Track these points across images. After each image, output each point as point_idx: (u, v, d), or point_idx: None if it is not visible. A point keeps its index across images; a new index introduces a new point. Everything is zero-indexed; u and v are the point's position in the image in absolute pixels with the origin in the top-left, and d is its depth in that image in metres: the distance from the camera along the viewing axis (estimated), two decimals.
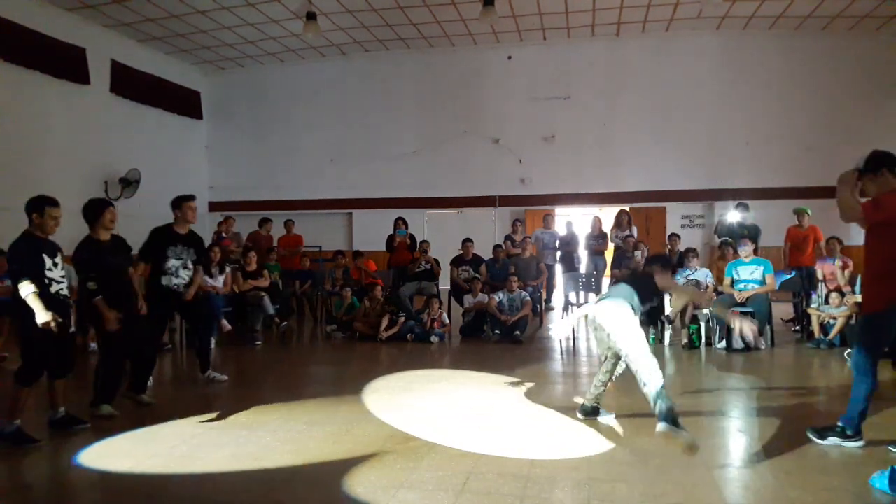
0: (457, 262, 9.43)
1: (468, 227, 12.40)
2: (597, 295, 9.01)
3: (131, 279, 5.15)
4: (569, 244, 10.84)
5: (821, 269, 8.07)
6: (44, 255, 4.32)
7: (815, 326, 7.37)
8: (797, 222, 8.95)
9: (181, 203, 5.63)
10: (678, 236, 9.27)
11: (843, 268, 7.81)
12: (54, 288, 4.31)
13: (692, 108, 12.48)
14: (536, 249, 10.43)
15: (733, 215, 9.61)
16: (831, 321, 7.16)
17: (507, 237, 10.64)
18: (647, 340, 7.46)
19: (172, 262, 5.47)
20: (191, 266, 5.61)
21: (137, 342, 5.01)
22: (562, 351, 7.42)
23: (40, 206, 4.36)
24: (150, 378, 5.40)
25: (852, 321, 6.91)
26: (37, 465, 3.97)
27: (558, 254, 10.96)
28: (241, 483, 3.46)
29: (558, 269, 10.90)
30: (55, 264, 4.39)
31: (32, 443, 4.12)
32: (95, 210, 4.84)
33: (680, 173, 12.57)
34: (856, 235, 6.20)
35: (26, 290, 4.09)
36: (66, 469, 3.81)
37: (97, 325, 4.87)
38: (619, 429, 4.27)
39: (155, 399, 5.17)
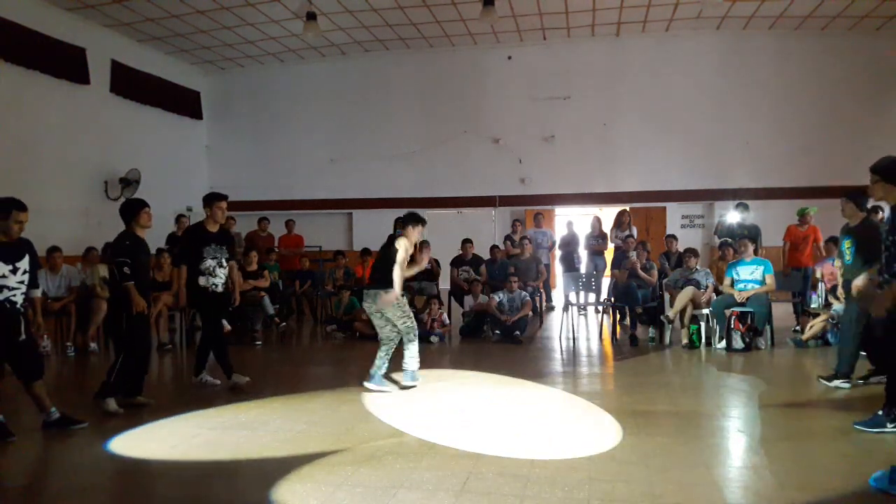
0: (457, 263, 9.43)
1: (468, 227, 12.40)
2: (596, 295, 9.06)
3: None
4: (569, 244, 10.84)
5: (820, 270, 8.06)
6: None
7: (813, 328, 7.36)
8: (799, 222, 8.94)
9: (212, 202, 5.58)
10: (675, 237, 9.28)
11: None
12: (3, 294, 4.19)
13: (692, 107, 12.48)
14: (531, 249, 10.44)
15: (733, 216, 9.59)
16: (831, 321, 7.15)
17: (507, 237, 10.66)
18: (648, 340, 7.56)
19: (209, 262, 5.43)
20: (225, 265, 5.57)
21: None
22: (562, 351, 7.43)
23: (6, 209, 4.24)
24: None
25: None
26: (36, 465, 3.98)
27: (558, 252, 10.95)
28: (242, 483, 3.46)
29: (557, 268, 10.89)
30: (13, 270, 4.26)
31: (8, 437, 4.18)
32: (132, 209, 4.99)
33: (680, 173, 12.57)
34: None
35: None
36: (65, 469, 3.81)
37: (125, 314, 4.89)
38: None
39: (153, 399, 5.17)
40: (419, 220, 5.45)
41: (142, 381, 5.15)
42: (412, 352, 5.39)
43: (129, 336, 4.97)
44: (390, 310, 5.26)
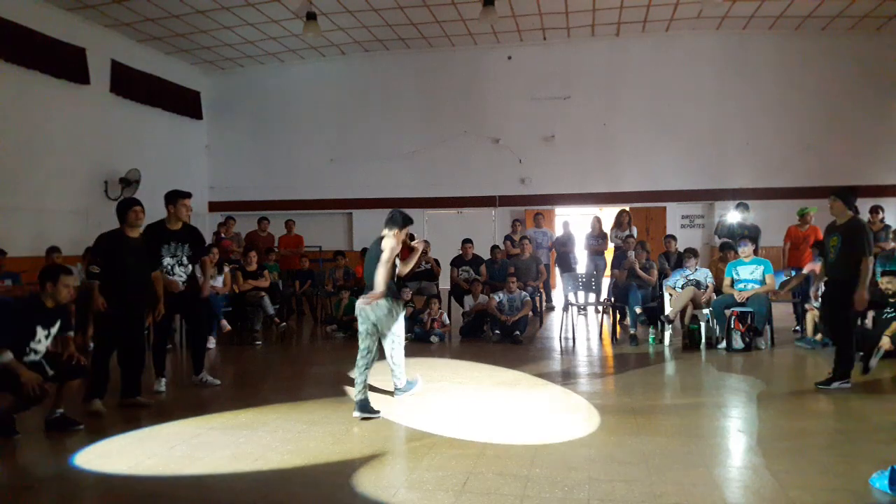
0: (457, 263, 9.43)
1: (468, 227, 12.42)
2: (596, 295, 9.05)
3: (154, 283, 5.16)
4: (565, 245, 10.83)
5: (810, 268, 8.02)
6: (38, 327, 4.27)
7: (808, 326, 7.37)
8: (799, 222, 8.93)
9: (176, 199, 5.46)
10: (674, 237, 9.27)
11: None
12: (29, 358, 4.23)
13: (692, 108, 12.49)
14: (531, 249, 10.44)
15: (733, 216, 9.59)
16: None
17: (507, 237, 10.66)
18: (648, 340, 7.56)
19: (167, 261, 5.39)
20: (186, 263, 5.50)
21: (129, 343, 5.03)
22: (561, 351, 7.42)
23: (55, 276, 4.34)
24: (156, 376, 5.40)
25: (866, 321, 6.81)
26: (36, 465, 3.98)
27: (554, 253, 10.94)
28: (242, 483, 3.45)
29: (556, 268, 10.89)
30: (47, 336, 4.34)
31: (12, 434, 4.18)
32: (122, 209, 5.07)
33: (680, 173, 12.58)
34: None
35: (2, 358, 4.01)
36: (65, 469, 3.80)
37: (90, 314, 5.00)
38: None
39: (152, 400, 5.17)
40: (408, 222, 4.95)
41: (139, 382, 5.14)
42: (397, 369, 5.03)
43: (96, 335, 5.01)
44: (383, 318, 4.72)
